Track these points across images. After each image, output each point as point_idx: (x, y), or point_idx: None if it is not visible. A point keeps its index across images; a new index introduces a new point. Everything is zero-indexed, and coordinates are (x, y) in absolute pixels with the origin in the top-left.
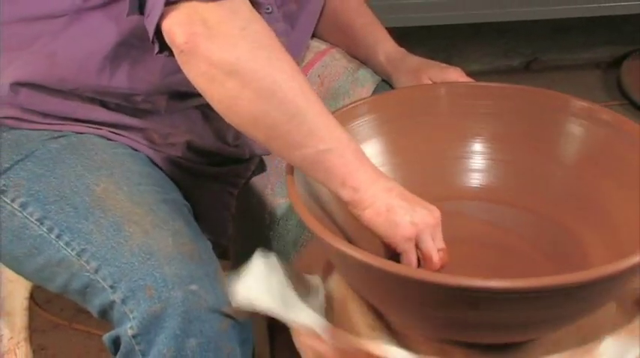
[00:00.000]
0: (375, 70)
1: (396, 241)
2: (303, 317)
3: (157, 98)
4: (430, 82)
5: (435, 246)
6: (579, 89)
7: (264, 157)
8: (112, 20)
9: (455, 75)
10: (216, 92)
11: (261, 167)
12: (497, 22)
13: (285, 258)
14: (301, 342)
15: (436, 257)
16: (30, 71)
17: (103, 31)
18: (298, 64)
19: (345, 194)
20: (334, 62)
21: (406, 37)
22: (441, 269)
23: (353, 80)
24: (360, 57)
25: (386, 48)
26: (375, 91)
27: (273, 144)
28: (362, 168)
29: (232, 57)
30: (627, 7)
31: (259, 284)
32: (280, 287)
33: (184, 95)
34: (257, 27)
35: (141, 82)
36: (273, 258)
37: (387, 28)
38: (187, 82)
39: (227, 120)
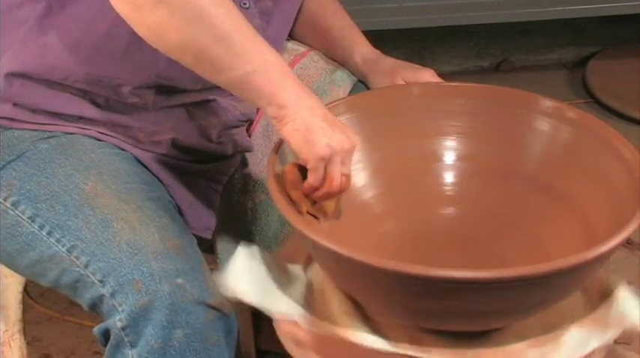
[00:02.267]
0: (352, 70)
1: (309, 159)
2: (282, 306)
3: (145, 92)
4: (404, 83)
5: (339, 170)
6: (546, 88)
7: (246, 155)
8: (99, 10)
9: (427, 75)
10: (145, 20)
11: (244, 164)
12: (468, 24)
13: (267, 251)
14: (282, 330)
15: (337, 180)
16: (22, 61)
17: (92, 20)
18: None
19: (271, 110)
20: (312, 64)
21: (381, 39)
22: (339, 193)
23: (330, 81)
24: (338, 59)
25: (362, 50)
26: (352, 92)
27: (201, 68)
28: (288, 87)
29: None
30: (589, 10)
31: (242, 276)
32: (261, 278)
33: (171, 91)
34: None
35: (129, 74)
36: (255, 250)
37: (362, 32)
38: (174, 78)
39: (155, 46)
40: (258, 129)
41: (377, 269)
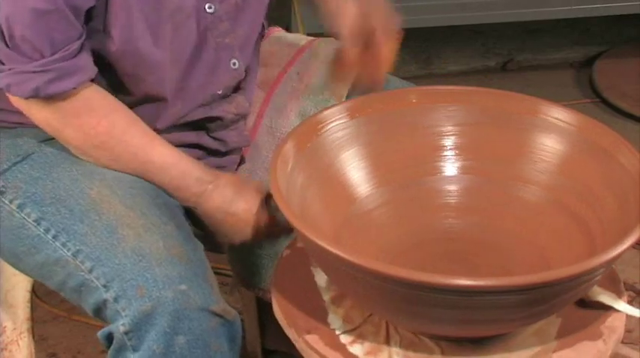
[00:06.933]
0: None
1: None
2: None
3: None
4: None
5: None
6: (553, 87)
7: (251, 152)
8: None
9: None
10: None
11: (250, 162)
12: (474, 24)
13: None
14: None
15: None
16: None
17: None
18: (252, 59)
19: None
20: (312, 59)
21: None
22: None
23: (330, 74)
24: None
25: None
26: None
27: None
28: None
29: None
30: (596, 10)
31: None
32: None
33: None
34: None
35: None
36: None
37: None
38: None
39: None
40: (262, 125)
41: (377, 273)
